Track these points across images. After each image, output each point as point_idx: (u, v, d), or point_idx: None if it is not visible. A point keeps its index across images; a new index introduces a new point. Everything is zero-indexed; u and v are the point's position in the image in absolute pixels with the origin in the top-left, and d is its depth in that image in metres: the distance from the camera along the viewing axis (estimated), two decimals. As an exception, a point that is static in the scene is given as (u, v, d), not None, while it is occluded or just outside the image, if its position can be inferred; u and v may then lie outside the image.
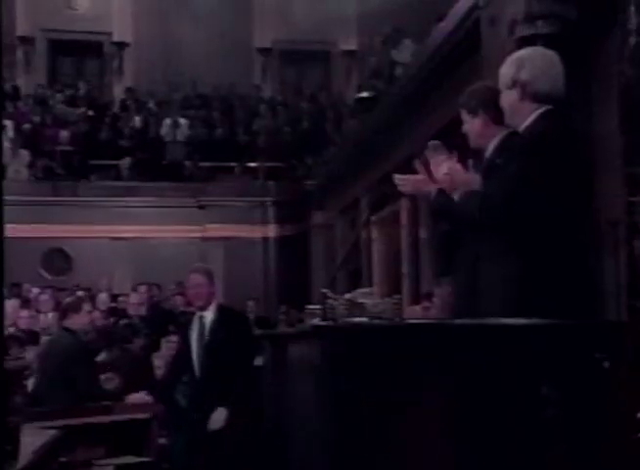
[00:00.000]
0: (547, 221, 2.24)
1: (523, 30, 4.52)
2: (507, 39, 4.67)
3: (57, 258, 12.08)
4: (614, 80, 4.11)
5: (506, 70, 2.44)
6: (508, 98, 2.42)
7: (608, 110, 4.38)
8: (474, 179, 2.41)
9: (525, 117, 2.38)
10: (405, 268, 7.72)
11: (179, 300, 8.67)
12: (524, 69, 2.40)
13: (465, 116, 2.68)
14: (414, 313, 4.09)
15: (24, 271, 10.01)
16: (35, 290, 9.74)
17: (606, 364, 1.95)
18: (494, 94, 2.64)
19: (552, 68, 2.42)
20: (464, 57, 5.76)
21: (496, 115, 2.60)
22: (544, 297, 2.21)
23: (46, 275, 11.79)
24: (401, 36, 11.15)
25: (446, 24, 6.18)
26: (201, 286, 4.12)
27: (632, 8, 3.74)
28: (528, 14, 4.53)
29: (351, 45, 15.07)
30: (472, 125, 2.65)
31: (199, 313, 4.20)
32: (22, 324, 7.39)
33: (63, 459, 3.29)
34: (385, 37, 11.49)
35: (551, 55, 2.48)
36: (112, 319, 8.70)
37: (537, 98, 2.37)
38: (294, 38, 14.79)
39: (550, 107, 2.37)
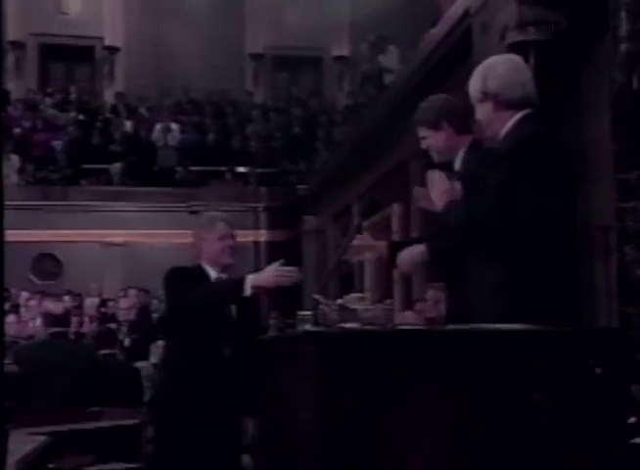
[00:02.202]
0: (533, 227, 2.23)
1: (514, 37, 4.54)
2: (498, 46, 4.69)
3: (47, 263, 12.03)
4: (605, 87, 4.12)
5: (474, 84, 2.41)
6: (482, 111, 2.39)
7: (599, 116, 4.40)
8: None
9: (502, 124, 2.36)
10: (396, 274, 7.72)
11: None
12: (489, 79, 2.37)
13: (425, 131, 2.64)
14: (406, 319, 4.08)
15: (13, 276, 9.96)
16: (24, 295, 9.69)
17: (598, 370, 1.94)
18: (454, 105, 2.64)
19: (517, 73, 2.41)
20: (455, 64, 5.77)
21: (460, 126, 2.60)
22: (532, 303, 2.21)
23: (35, 280, 11.73)
24: (386, 43, 11.20)
25: (438, 31, 6.20)
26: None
27: (623, 14, 3.76)
28: (520, 20, 4.55)
29: (343, 51, 15.11)
30: (435, 139, 2.63)
31: None
32: (11, 330, 7.34)
33: (51, 466, 3.26)
34: (370, 44, 11.54)
35: (515, 60, 2.47)
36: (93, 324, 8.66)
37: (511, 105, 2.35)
38: (286, 44, 14.82)
39: (527, 111, 2.36)
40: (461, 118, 2.58)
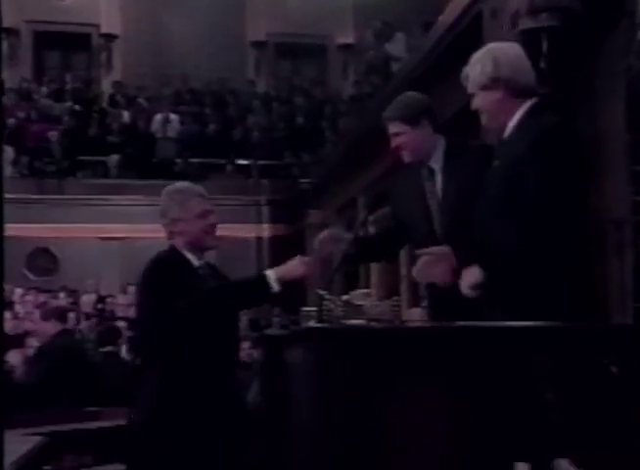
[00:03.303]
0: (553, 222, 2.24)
1: (525, 23, 4.52)
2: (509, 33, 4.67)
3: (42, 259, 12.06)
4: (619, 75, 4.11)
5: (481, 70, 2.36)
6: (488, 99, 2.33)
7: (613, 106, 4.39)
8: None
9: (510, 114, 2.32)
10: (404, 269, 7.71)
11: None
12: (501, 63, 2.33)
13: (399, 127, 2.61)
14: (413, 316, 4.08)
15: (7, 272, 9.96)
16: (19, 291, 9.72)
17: (614, 369, 1.94)
18: (429, 102, 2.64)
19: (525, 59, 2.39)
20: (464, 51, 5.75)
21: (436, 123, 2.60)
22: (543, 299, 2.21)
23: (30, 276, 11.76)
24: (392, 30, 11.18)
25: (446, 18, 6.18)
26: None
27: (640, 0, 3.74)
28: (531, 6, 4.53)
29: (348, 39, 15.08)
30: (413, 136, 2.61)
31: None
32: (6, 327, 7.37)
33: (48, 467, 3.28)
34: (376, 31, 11.52)
35: (518, 47, 2.46)
36: (93, 320, 8.67)
37: (521, 93, 2.32)
38: (289, 31, 14.80)
39: (535, 100, 2.34)
40: (436, 116, 2.59)
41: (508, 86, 2.33)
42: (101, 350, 5.57)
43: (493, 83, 2.34)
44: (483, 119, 2.42)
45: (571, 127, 2.34)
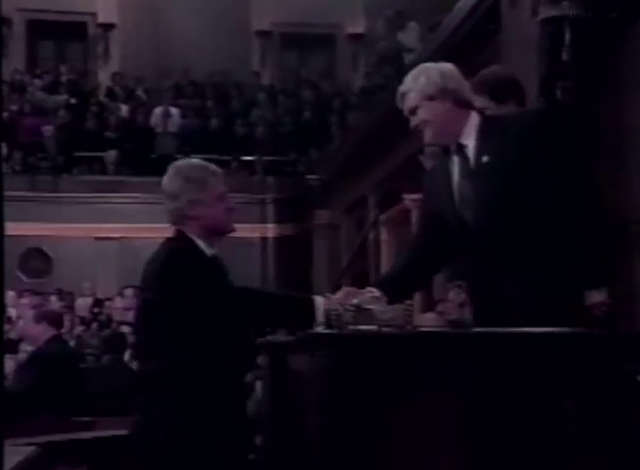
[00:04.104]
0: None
1: (547, 11, 4.51)
2: (529, 21, 4.67)
3: (35, 260, 12.10)
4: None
5: (426, 81, 2.45)
6: (436, 109, 2.44)
7: (638, 99, 4.37)
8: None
9: (460, 124, 2.45)
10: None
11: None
12: (448, 77, 2.46)
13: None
14: (427, 321, 4.08)
15: None
16: (11, 294, 9.76)
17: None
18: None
19: (463, 78, 2.53)
20: (481, 42, 5.75)
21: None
22: (564, 305, 2.23)
23: (23, 278, 11.81)
24: (405, 19, 11.17)
25: (463, 6, 6.18)
26: None
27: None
28: (553, -7, 4.52)
29: (358, 28, 15.08)
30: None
31: None
32: None
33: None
34: (387, 20, 11.51)
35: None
36: (94, 325, 8.70)
37: (467, 105, 2.47)
38: (295, 20, 14.81)
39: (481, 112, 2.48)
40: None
41: (455, 97, 2.44)
42: (105, 356, 5.59)
43: (441, 94, 2.44)
44: (428, 134, 2.47)
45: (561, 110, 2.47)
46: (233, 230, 2.61)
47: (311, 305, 2.42)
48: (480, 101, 2.76)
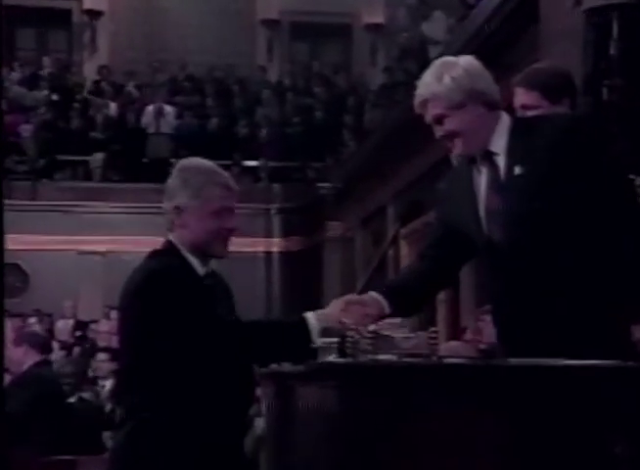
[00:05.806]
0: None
1: (592, 0, 4.52)
2: (572, 11, 4.68)
3: (10, 276, 12.14)
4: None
5: (452, 85, 2.36)
6: (466, 118, 2.36)
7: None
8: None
9: (490, 130, 2.40)
10: (442, 294, 7.69)
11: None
12: (475, 76, 2.39)
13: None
14: (454, 350, 4.06)
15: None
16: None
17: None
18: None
19: (487, 72, 2.45)
20: (518, 31, 5.76)
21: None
22: (610, 337, 2.22)
23: (-3, 296, 11.86)
24: (429, 8, 11.23)
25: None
26: None
27: None
28: (600, -21, 4.54)
29: (377, 17, 15.16)
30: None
31: None
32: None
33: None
34: (410, 9, 11.57)
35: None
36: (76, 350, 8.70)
37: (496, 106, 2.42)
38: (306, 8, 14.91)
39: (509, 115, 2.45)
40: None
41: (485, 100, 2.38)
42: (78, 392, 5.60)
43: (471, 98, 2.37)
44: (458, 146, 2.41)
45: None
46: (223, 256, 2.51)
47: (304, 327, 2.36)
48: (529, 97, 2.74)
